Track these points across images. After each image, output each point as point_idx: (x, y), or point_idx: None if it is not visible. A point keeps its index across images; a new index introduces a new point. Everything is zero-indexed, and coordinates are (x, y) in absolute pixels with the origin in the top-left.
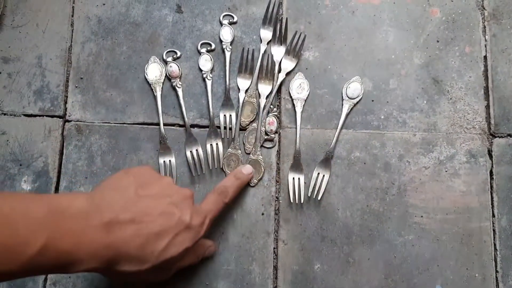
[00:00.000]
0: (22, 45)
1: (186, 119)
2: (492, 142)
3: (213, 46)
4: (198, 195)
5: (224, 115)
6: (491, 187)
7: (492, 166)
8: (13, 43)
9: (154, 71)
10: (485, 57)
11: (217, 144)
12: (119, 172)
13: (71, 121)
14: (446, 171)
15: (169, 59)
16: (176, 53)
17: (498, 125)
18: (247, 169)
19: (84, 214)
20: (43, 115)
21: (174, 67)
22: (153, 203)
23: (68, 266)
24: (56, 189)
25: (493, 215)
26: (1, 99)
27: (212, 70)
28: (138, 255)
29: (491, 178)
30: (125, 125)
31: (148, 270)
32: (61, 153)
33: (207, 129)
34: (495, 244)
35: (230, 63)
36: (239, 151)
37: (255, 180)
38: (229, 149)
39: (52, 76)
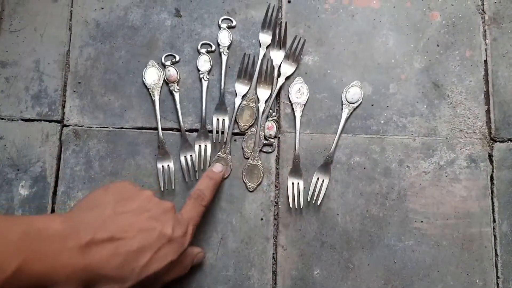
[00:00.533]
0: (20, 49)
1: (181, 124)
2: (492, 146)
3: (213, 47)
4: None
5: (217, 119)
6: (492, 192)
7: (492, 171)
8: (11, 47)
9: (152, 76)
10: (485, 61)
11: (205, 145)
12: (98, 189)
13: (69, 125)
14: (446, 176)
15: (168, 63)
16: (174, 57)
17: (499, 130)
18: (217, 167)
19: (60, 236)
20: (40, 120)
21: (172, 71)
22: (131, 219)
23: None
24: (54, 194)
25: (494, 220)
26: None
27: (210, 71)
28: (118, 274)
29: (492, 183)
30: (123, 129)
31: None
32: (59, 158)
33: None
34: (496, 250)
35: (226, 67)
36: (229, 156)
37: (254, 185)
38: (219, 153)
39: (50, 81)
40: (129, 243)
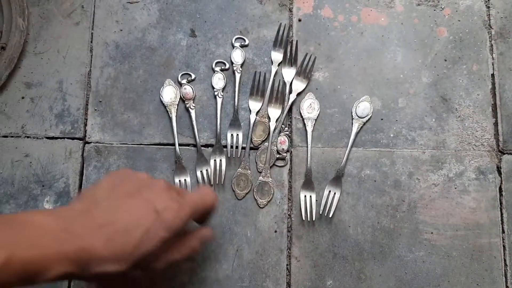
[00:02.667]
0: (44, 70)
1: (197, 139)
2: (501, 159)
3: (227, 65)
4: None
5: (232, 134)
6: (501, 203)
7: (501, 183)
8: (35, 69)
9: (169, 94)
10: (492, 75)
11: (220, 160)
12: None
13: (90, 142)
14: (455, 188)
15: (184, 81)
16: (190, 75)
17: (507, 142)
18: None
19: (49, 224)
20: (64, 138)
21: (188, 89)
22: (122, 200)
23: (36, 275)
24: None
25: (503, 231)
26: (24, 122)
27: (224, 89)
28: (110, 254)
29: (501, 195)
30: (141, 146)
31: (130, 269)
32: (81, 174)
33: None
34: (505, 260)
35: (240, 84)
36: (249, 171)
37: (265, 202)
38: (239, 169)
39: (72, 100)
40: (118, 223)
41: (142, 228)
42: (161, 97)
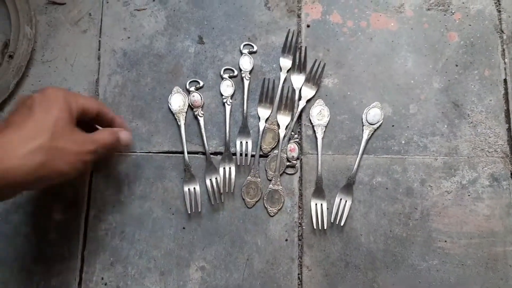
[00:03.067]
0: (51, 79)
1: (206, 147)
2: None
3: (236, 72)
4: (221, 223)
5: (241, 142)
6: None
7: None
8: (43, 77)
9: (177, 101)
10: (505, 80)
11: (230, 168)
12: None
13: None
14: (469, 195)
15: (192, 88)
16: (198, 83)
17: None
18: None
19: None
20: None
21: (196, 97)
22: None
23: None
24: (86, 218)
25: None
26: None
27: (232, 96)
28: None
29: None
30: (150, 154)
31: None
32: (90, 183)
33: None
34: None
35: (248, 91)
36: (259, 179)
37: (275, 210)
38: (248, 177)
39: None
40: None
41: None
42: (169, 105)
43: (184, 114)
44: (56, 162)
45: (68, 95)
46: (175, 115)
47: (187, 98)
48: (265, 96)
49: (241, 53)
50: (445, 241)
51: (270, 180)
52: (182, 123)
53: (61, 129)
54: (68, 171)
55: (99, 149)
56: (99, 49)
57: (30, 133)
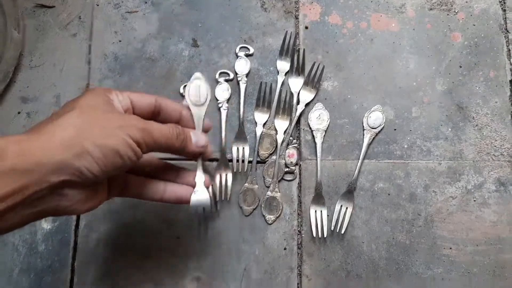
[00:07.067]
0: (40, 84)
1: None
2: None
3: (231, 76)
4: (218, 231)
5: (237, 147)
6: None
7: None
8: (31, 83)
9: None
10: (510, 81)
11: (226, 175)
12: None
13: None
14: (474, 200)
15: None
16: None
17: None
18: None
19: None
20: None
21: None
22: None
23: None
24: (76, 227)
25: None
26: None
27: (228, 100)
28: None
29: None
30: None
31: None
32: None
33: None
34: None
35: (245, 95)
36: (256, 185)
37: (273, 218)
38: (246, 184)
39: None
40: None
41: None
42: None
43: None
44: (94, 135)
45: (107, 88)
46: None
47: (208, 88)
48: (262, 100)
49: (237, 56)
50: (450, 248)
51: (268, 187)
52: None
53: (95, 108)
54: (115, 147)
55: (155, 133)
56: (89, 53)
57: (58, 113)
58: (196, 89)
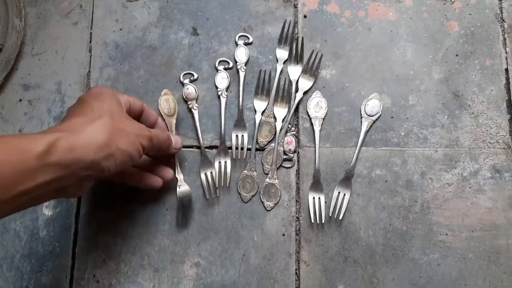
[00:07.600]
0: (41, 72)
1: (201, 141)
2: None
3: (231, 64)
4: (217, 218)
5: (236, 135)
6: None
7: None
8: (33, 70)
9: (165, 106)
10: (506, 69)
11: (225, 162)
12: None
13: None
14: (470, 187)
15: (186, 81)
16: (193, 75)
17: None
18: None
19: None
20: None
21: (190, 89)
22: None
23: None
24: (77, 214)
25: None
26: (22, 126)
27: (228, 88)
28: None
29: None
30: None
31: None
32: None
33: None
34: None
35: (244, 83)
36: (255, 172)
37: (272, 204)
38: (245, 171)
39: (71, 102)
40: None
41: None
42: (158, 108)
43: (175, 117)
44: (120, 141)
45: (113, 91)
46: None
47: (175, 104)
48: (261, 88)
49: (237, 45)
50: (446, 234)
51: (267, 174)
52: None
53: (118, 114)
54: (131, 152)
55: (154, 140)
56: (90, 42)
57: (92, 116)
58: (166, 102)
